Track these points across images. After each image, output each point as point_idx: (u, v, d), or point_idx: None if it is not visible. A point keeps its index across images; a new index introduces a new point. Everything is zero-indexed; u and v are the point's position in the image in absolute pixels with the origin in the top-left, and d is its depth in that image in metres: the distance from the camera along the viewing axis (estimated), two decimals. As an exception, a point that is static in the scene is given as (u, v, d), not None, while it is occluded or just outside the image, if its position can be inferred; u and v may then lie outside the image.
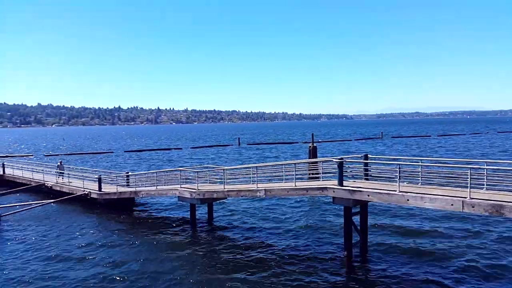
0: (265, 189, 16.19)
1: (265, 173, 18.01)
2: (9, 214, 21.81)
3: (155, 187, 21.20)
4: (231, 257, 14.62)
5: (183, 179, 19.99)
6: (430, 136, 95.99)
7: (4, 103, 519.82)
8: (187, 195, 18.81)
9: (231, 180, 18.81)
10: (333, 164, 14.96)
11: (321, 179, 15.82)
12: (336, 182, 14.42)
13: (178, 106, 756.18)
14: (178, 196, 19.49)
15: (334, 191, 14.12)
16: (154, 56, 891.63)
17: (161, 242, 16.72)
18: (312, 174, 17.67)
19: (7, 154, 63.66)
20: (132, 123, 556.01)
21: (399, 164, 13.16)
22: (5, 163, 35.58)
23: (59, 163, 28.93)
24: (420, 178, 13.26)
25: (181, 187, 19.42)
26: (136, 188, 22.23)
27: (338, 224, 18.49)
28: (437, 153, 52.21)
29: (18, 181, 31.41)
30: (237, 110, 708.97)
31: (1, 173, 33.77)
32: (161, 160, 54.24)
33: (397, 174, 12.94)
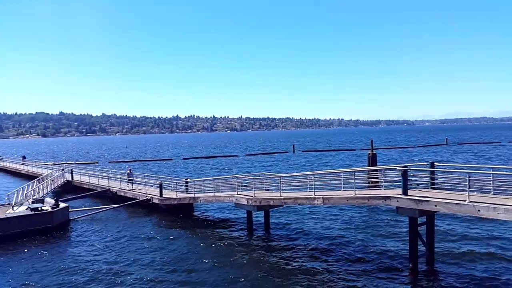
0: (323, 197, 15.98)
1: (322, 180, 17.81)
2: (79, 217, 23.57)
3: (212, 194, 21.80)
4: (287, 265, 14.57)
5: (239, 186, 20.38)
6: (500, 142, 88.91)
7: (72, 113, 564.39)
8: (244, 202, 19.10)
9: (288, 187, 18.82)
10: (396, 172, 14.41)
11: (382, 188, 15.31)
12: (399, 191, 13.88)
13: (232, 114, 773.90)
14: (235, 203, 19.85)
15: (398, 201, 13.58)
16: (210, 66, 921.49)
17: (219, 247, 17.11)
18: (372, 182, 17.13)
19: (75, 161, 68.83)
20: (189, 131, 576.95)
21: (468, 173, 12.37)
22: (73, 169, 38.47)
23: (128, 171, 30.03)
24: (492, 187, 12.34)
25: (237, 194, 19.77)
26: (195, 194, 22.99)
27: (400, 235, 17.75)
28: (511, 161, 48.24)
29: (85, 186, 33.79)
30: (291, 117, 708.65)
31: (70, 179, 36.54)
32: (217, 167, 55.60)
33: (467, 183, 12.16)
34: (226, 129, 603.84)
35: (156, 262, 15.43)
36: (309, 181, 17.39)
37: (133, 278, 13.78)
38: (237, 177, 20.99)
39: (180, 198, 23.83)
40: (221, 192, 21.79)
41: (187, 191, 24.71)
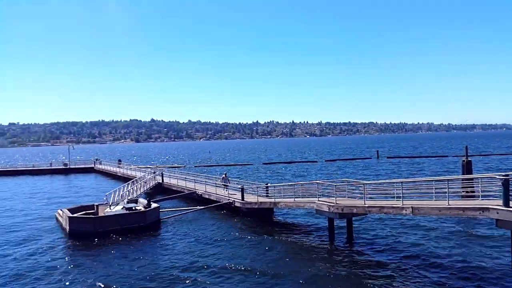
0: (412, 207, 15.08)
1: (411, 189, 16.81)
2: (168, 217, 25.25)
3: (293, 199, 21.82)
4: (372, 279, 13.96)
5: (320, 192, 20.11)
6: None
7: (162, 120, 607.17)
8: (325, 209, 18.80)
9: (372, 195, 18.10)
10: (495, 181, 13.09)
11: (479, 198, 13.99)
12: (499, 202, 12.57)
13: (312, 119, 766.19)
14: (316, 209, 19.63)
15: (498, 213, 12.31)
16: (289, 72, 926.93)
17: (300, 254, 16.98)
18: (467, 192, 15.74)
19: (164, 165, 73.91)
20: (269, 136, 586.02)
21: None
22: (163, 173, 41.33)
23: (224, 175, 30.43)
24: None
25: (318, 200, 19.53)
26: (275, 199, 23.23)
27: (501, 251, 15.96)
28: None
29: (173, 188, 36.10)
30: (374, 122, 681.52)
31: (160, 181, 39.30)
32: (296, 173, 55.54)
33: None
34: (305, 135, 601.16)
35: (237, 264, 15.84)
36: (396, 189, 16.55)
37: (215, 277, 14.37)
38: (317, 182, 20.75)
39: (261, 202, 24.26)
40: (302, 197, 21.71)
41: (267, 196, 25.06)
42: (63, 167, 71.22)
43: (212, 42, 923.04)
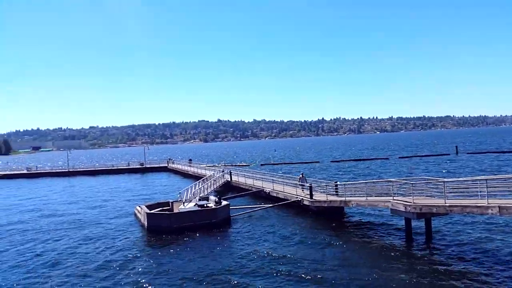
0: (499, 206, 13.85)
1: (497, 187, 15.45)
2: (238, 214, 25.86)
3: (365, 198, 21.14)
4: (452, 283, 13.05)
5: (395, 190, 19.25)
6: None
7: (228, 120, 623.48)
8: (401, 208, 17.97)
9: (453, 193, 16.93)
10: None
11: None
12: None
13: (381, 115, 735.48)
14: (391, 209, 18.84)
15: None
16: (355, 67, 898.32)
17: (376, 257, 16.29)
18: None
19: (231, 164, 75.80)
20: (335, 133, 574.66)
21: None
22: (231, 171, 42.41)
23: (301, 175, 28.91)
24: None
25: (393, 200, 18.72)
26: (346, 198, 22.70)
27: None
28: None
29: (241, 186, 36.89)
30: (451, 115, 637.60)
31: (229, 179, 40.36)
32: (366, 171, 53.76)
33: None
34: (375, 131, 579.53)
35: (308, 264, 15.74)
36: (480, 187, 15.32)
37: (286, 275, 14.41)
38: (392, 181, 19.90)
39: (330, 201, 23.87)
40: (374, 196, 20.96)
41: (337, 194, 24.60)
42: (139, 166, 76.21)
43: (274, 41, 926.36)
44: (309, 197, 25.77)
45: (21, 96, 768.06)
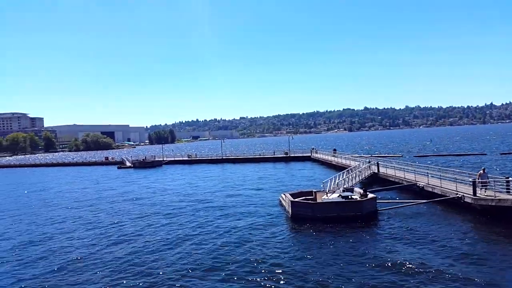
0: None
1: None
2: (385, 209, 24.69)
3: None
4: None
5: None
6: None
7: (375, 108, 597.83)
8: None
9: None
10: None
11: None
12: None
13: None
14: None
15: None
16: None
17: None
18: None
19: (378, 154, 72.51)
20: (507, 121, 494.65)
21: None
22: (379, 162, 40.60)
23: (481, 171, 24.13)
24: None
25: None
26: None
27: None
28: None
29: (390, 179, 34.99)
30: None
31: (376, 171, 38.75)
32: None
33: None
34: None
35: (468, 274, 14.04)
36: None
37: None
38: None
39: (499, 199, 20.77)
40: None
41: (508, 192, 21.25)
42: (284, 155, 79.47)
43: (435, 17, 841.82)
44: (471, 193, 22.89)
45: (182, 91, 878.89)
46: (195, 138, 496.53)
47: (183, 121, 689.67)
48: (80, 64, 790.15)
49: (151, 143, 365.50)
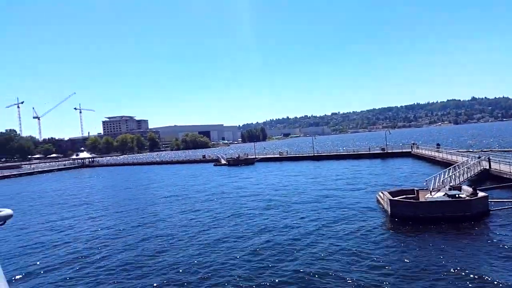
0: None
1: None
2: (499, 209, 22.42)
3: None
4: None
5: None
6: None
7: (485, 98, 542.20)
8: None
9: None
10: None
11: None
12: None
13: None
14: None
15: None
16: None
17: None
18: None
19: (490, 149, 65.71)
20: None
21: None
22: (490, 157, 36.89)
23: None
24: None
25: None
26: None
27: None
28: None
29: (505, 176, 31.60)
30: None
31: (487, 167, 35.28)
32: None
33: None
34: None
35: None
36: None
37: None
38: None
39: None
40: None
41: None
42: (380, 151, 76.18)
43: None
44: None
45: (273, 90, 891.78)
46: (286, 135, 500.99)
47: (274, 119, 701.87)
48: (176, 69, 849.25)
49: (243, 141, 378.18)
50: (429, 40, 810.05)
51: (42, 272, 18.14)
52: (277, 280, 14.62)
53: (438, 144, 67.11)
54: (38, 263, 19.63)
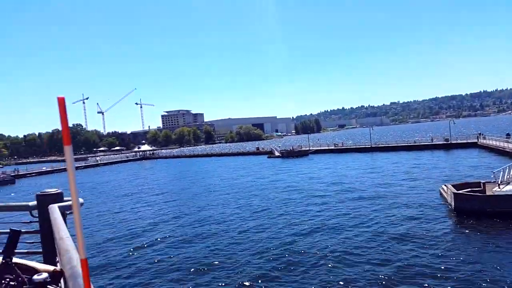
0: None
1: None
2: None
3: None
4: None
5: None
6: None
7: None
8: None
9: None
10: None
11: None
12: None
13: None
14: None
15: None
16: None
17: None
18: None
19: None
20: None
21: None
22: None
23: None
24: None
25: None
26: None
27: None
28: None
29: None
30: None
31: None
32: None
33: None
34: None
35: None
36: None
37: None
38: None
39: None
40: None
41: None
42: (444, 142, 72.45)
43: None
44: None
45: (326, 80, 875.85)
46: (341, 126, 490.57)
47: (328, 110, 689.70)
48: (229, 63, 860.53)
49: (297, 133, 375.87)
50: (499, 22, 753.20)
51: (117, 265, 19.51)
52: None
53: (508, 134, 62.53)
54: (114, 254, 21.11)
